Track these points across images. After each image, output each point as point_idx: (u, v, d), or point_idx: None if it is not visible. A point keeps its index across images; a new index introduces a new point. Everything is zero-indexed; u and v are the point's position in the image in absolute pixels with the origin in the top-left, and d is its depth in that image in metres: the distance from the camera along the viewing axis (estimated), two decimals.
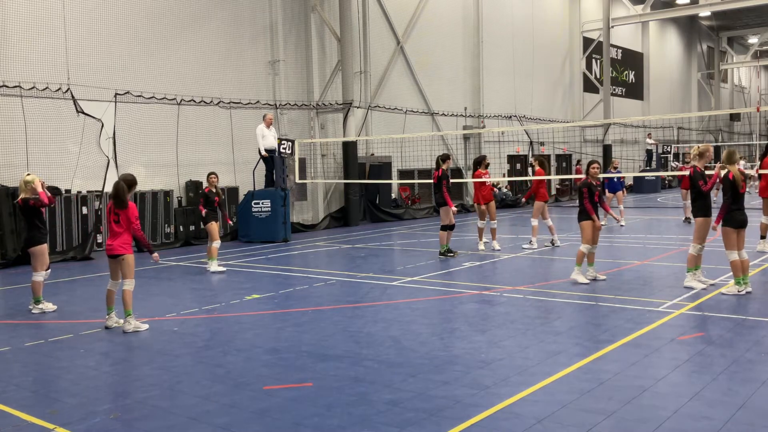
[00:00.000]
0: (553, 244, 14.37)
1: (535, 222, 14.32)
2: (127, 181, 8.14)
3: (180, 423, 5.00)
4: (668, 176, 36.16)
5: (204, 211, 12.41)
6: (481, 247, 14.16)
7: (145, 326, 7.97)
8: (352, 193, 20.86)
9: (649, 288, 9.69)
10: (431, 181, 23.25)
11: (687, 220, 17.60)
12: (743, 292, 8.89)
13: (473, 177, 14.67)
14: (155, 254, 8.35)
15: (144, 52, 16.69)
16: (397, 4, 23.80)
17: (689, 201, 16.84)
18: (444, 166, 13.19)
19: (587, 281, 10.00)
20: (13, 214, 13.77)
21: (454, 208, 13.13)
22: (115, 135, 16.07)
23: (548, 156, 29.85)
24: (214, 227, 12.37)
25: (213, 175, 12.57)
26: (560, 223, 20.52)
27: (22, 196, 9.10)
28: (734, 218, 8.98)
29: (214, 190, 12.43)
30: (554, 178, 30.71)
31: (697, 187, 9.27)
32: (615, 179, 19.29)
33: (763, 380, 5.56)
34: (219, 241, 12.50)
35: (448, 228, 13.10)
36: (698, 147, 9.75)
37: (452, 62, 26.41)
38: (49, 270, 9.62)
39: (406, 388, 5.59)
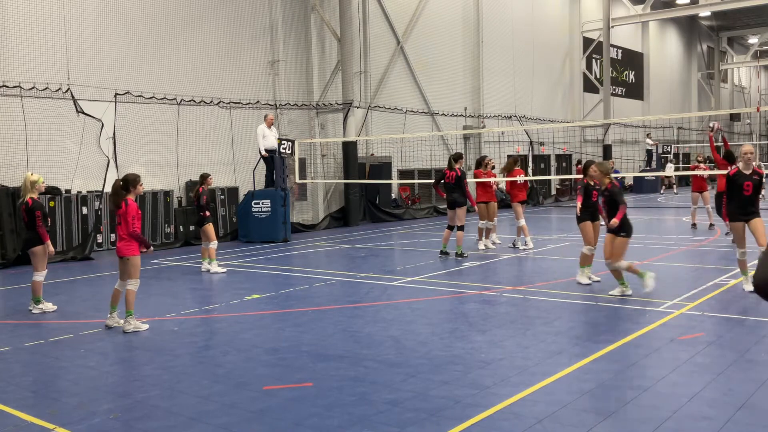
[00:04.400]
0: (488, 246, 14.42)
1: (522, 222, 14.27)
2: (127, 181, 8.09)
3: (180, 423, 5.00)
4: (667, 177, 36.10)
5: (207, 213, 12.36)
6: (481, 246, 14.19)
7: (145, 326, 7.96)
8: (352, 193, 20.86)
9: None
10: (431, 181, 23.48)
11: (695, 226, 17.05)
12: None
13: (473, 177, 14.66)
14: (150, 248, 8.40)
15: (144, 52, 16.69)
16: (397, 4, 23.79)
17: (699, 205, 16.85)
18: (458, 166, 13.12)
19: (589, 282, 9.97)
20: (13, 214, 13.77)
21: (476, 207, 13.57)
22: (115, 135, 16.07)
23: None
24: (212, 228, 12.43)
25: (210, 177, 12.72)
26: (559, 223, 20.54)
27: (29, 196, 9.07)
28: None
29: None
30: (554, 178, 30.73)
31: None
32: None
33: (763, 380, 5.56)
34: (216, 242, 12.57)
35: (461, 228, 13.00)
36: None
37: (452, 62, 26.40)
38: (46, 271, 9.64)
39: (406, 388, 5.59)
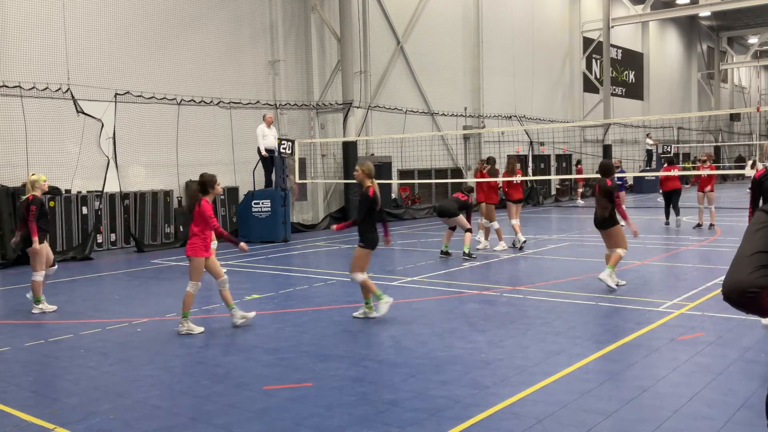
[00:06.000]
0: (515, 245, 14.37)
1: (496, 225, 14.28)
2: (204, 183, 7.82)
3: (180, 423, 5.00)
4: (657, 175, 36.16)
5: None
6: (481, 246, 14.22)
7: (200, 329, 7.75)
8: (352, 193, 20.85)
9: (649, 288, 9.68)
10: (431, 181, 23.62)
11: (699, 226, 17.03)
12: None
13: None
14: (242, 244, 7.98)
15: (144, 52, 16.69)
16: (397, 4, 23.79)
17: (704, 205, 16.91)
18: (469, 194, 13.41)
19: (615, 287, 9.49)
20: (13, 214, 13.76)
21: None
22: (115, 135, 16.06)
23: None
24: None
25: None
26: (559, 223, 20.54)
27: (33, 193, 9.08)
28: None
29: None
30: (554, 178, 30.74)
31: None
32: (616, 179, 19.27)
33: (763, 380, 5.56)
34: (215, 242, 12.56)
35: (469, 230, 13.07)
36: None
37: (452, 62, 26.40)
38: (56, 266, 9.67)
39: (406, 388, 5.59)
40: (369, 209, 7.99)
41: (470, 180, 15.35)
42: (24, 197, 9.23)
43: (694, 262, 12.14)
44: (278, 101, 20.09)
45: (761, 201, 7.80)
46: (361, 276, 8.01)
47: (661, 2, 38.03)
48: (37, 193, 9.14)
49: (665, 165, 19.53)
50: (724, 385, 5.46)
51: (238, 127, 18.80)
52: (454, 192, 15.13)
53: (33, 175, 9.25)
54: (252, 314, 8.04)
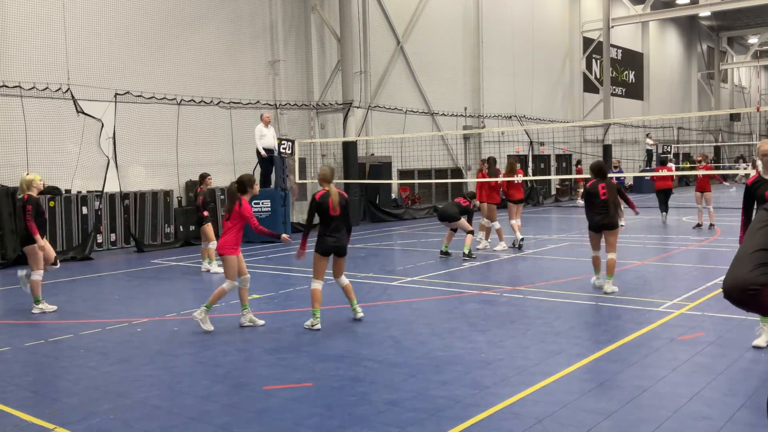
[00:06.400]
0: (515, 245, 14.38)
1: (498, 225, 14.27)
2: (243, 182, 7.97)
3: (180, 423, 4.99)
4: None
5: (206, 213, 12.40)
6: (481, 246, 14.21)
7: (210, 327, 7.76)
8: (352, 193, 20.83)
9: (649, 288, 9.68)
10: (431, 181, 23.64)
11: (699, 226, 17.07)
12: None
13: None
14: (283, 235, 8.35)
15: (144, 52, 16.70)
16: (397, 4, 23.80)
17: (702, 205, 16.94)
18: (471, 201, 13.54)
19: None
20: (12, 214, 13.76)
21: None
22: (115, 135, 16.06)
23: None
24: (211, 228, 12.46)
25: (210, 177, 12.69)
26: (559, 223, 20.54)
27: (29, 193, 9.09)
28: None
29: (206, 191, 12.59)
30: (554, 178, 30.74)
31: None
32: (614, 179, 19.32)
33: (763, 380, 5.56)
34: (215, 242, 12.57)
35: (471, 232, 13.10)
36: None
37: (452, 62, 26.41)
38: (58, 265, 9.66)
39: (406, 388, 5.59)
40: (314, 213, 7.92)
41: (471, 180, 15.33)
42: (19, 197, 9.24)
43: (694, 262, 12.14)
44: (278, 101, 20.09)
45: (755, 207, 7.08)
46: (313, 283, 7.94)
47: (661, 2, 38.03)
48: (33, 192, 9.14)
49: (658, 165, 21.03)
50: (724, 385, 5.46)
51: (238, 127, 18.80)
52: (454, 193, 15.14)
53: (27, 174, 9.27)
54: (261, 322, 8.05)
